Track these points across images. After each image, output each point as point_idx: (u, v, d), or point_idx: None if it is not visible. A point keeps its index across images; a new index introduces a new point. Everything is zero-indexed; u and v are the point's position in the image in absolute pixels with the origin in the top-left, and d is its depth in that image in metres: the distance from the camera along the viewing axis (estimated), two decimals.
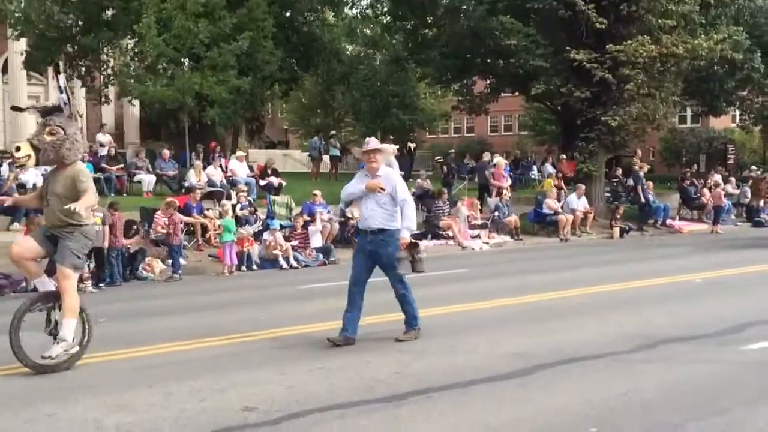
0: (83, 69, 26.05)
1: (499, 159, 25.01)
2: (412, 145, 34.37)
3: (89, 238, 7.53)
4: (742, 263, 15.06)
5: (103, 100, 28.01)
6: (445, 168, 27.26)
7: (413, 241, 8.50)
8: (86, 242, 7.48)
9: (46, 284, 7.61)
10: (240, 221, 16.95)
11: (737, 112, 38.45)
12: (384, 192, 8.26)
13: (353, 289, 8.35)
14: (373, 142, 8.56)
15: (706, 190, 25.57)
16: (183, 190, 20.18)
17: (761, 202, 26.32)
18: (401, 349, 8.06)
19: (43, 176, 7.81)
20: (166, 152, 23.71)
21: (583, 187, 22.59)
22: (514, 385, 6.64)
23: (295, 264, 16.13)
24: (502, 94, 30.47)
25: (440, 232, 19.59)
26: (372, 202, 8.32)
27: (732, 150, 36.00)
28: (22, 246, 7.55)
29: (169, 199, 16.50)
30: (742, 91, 31.62)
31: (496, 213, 21.16)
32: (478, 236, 20.00)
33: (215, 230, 16.73)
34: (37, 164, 7.79)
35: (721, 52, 23.43)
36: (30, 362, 7.15)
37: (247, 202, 18.21)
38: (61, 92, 7.57)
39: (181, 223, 15.81)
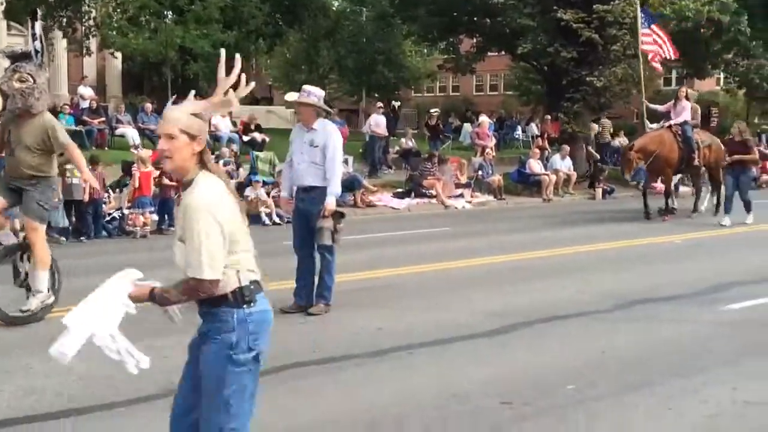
0: (64, 20, 25.59)
1: (483, 118, 24.92)
2: (397, 104, 34.21)
3: (54, 188, 7.48)
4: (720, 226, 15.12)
5: (84, 52, 27.56)
6: (432, 129, 26.81)
7: (339, 210, 7.71)
8: (51, 193, 7.42)
9: (9, 237, 7.57)
10: None
11: (722, 75, 38.32)
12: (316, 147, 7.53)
13: (300, 253, 7.75)
14: (309, 95, 7.63)
15: None
16: None
17: None
18: (384, 305, 8.11)
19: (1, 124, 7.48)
20: (149, 105, 23.41)
21: (567, 147, 22.59)
22: (495, 342, 6.72)
23: (277, 220, 16.07)
24: (489, 54, 30.29)
25: (423, 191, 19.56)
26: (304, 158, 7.58)
27: (715, 113, 35.95)
28: None
29: (144, 153, 16.18)
30: (727, 54, 31.54)
31: (480, 172, 21.16)
32: (461, 195, 20.01)
33: None
34: (3, 110, 7.53)
35: (708, 13, 23.41)
36: (4, 316, 7.11)
37: (230, 158, 18.11)
38: (35, 40, 7.39)
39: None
